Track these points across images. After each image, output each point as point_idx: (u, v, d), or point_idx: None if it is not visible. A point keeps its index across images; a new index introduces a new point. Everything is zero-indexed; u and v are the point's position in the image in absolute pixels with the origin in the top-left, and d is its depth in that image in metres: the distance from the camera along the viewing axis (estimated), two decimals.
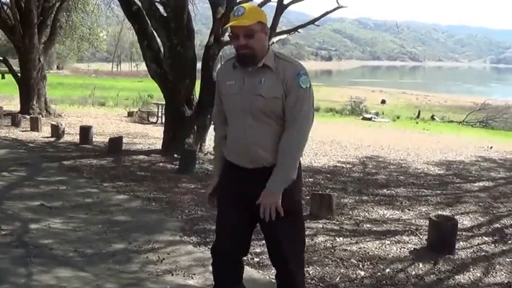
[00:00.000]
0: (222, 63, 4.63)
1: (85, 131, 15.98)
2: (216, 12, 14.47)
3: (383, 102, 57.70)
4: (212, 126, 14.16)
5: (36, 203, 8.81)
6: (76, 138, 16.37)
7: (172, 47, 13.97)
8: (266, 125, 4.18)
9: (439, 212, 9.06)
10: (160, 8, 14.32)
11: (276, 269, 4.59)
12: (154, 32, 14.47)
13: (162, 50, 14.56)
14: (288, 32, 16.52)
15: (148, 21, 14.28)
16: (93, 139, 16.17)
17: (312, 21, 15.69)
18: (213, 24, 14.49)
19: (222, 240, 4.53)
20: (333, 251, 7.15)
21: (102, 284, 5.70)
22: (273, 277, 5.97)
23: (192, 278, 6.02)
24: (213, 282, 4.73)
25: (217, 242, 4.61)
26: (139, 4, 14.41)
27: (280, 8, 14.39)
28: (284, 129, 4.19)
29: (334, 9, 15.92)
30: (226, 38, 14.67)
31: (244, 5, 4.26)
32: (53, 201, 8.99)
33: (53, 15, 24.70)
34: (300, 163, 4.35)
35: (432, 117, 42.45)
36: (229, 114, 4.38)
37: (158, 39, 14.63)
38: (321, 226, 8.20)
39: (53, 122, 18.36)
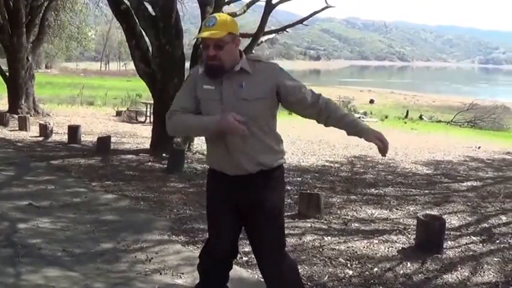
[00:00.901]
0: (194, 68, 4.57)
1: (73, 131, 15.94)
2: (204, 11, 14.46)
3: (371, 102, 57.87)
4: None
5: (25, 203, 8.78)
6: (64, 138, 16.32)
7: (161, 46, 13.95)
8: (253, 128, 4.19)
9: (427, 212, 9.07)
10: (149, 7, 14.29)
11: (264, 271, 4.64)
12: (142, 31, 14.45)
13: (150, 49, 14.54)
14: (276, 31, 16.57)
15: (137, 21, 14.26)
16: (82, 138, 16.12)
17: (301, 21, 15.75)
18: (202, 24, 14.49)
19: (220, 242, 4.53)
20: (321, 250, 7.17)
21: (91, 283, 5.68)
22: (261, 276, 6.00)
23: (181, 277, 6.02)
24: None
25: (214, 244, 4.60)
26: (128, 3, 14.39)
27: (269, 8, 14.43)
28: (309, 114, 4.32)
29: (323, 9, 15.98)
30: None
31: (216, 14, 4.30)
32: (41, 201, 8.96)
33: (41, 15, 24.63)
34: (283, 152, 4.53)
35: (420, 117, 42.59)
36: None
37: (147, 39, 14.61)
38: (309, 225, 8.22)
39: (41, 122, 18.31)
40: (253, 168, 4.27)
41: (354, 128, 4.23)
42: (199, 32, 4.24)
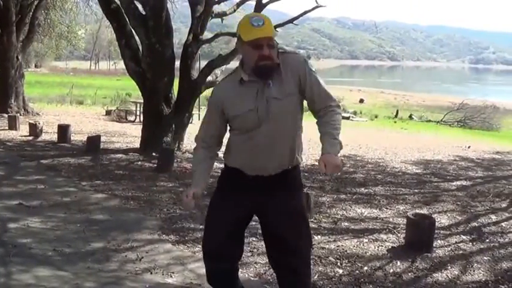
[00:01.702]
0: (219, 84, 4.48)
1: (63, 130, 15.91)
2: (194, 10, 14.47)
3: (361, 101, 57.84)
4: (190, 126, 14.13)
5: (15, 202, 8.77)
6: (54, 137, 16.29)
7: (151, 45, 13.94)
8: (283, 125, 4.16)
9: (417, 211, 9.08)
10: (139, 6, 14.28)
11: (282, 273, 4.56)
12: (132, 30, 14.45)
13: (140, 48, 14.53)
14: None
15: (127, 20, 14.26)
16: (71, 138, 16.11)
17: (291, 20, 15.71)
18: (192, 23, 14.49)
19: (209, 241, 4.45)
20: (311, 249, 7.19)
21: (81, 283, 5.68)
22: (252, 275, 6.01)
23: (171, 276, 6.03)
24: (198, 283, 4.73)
25: (203, 242, 4.53)
26: (118, 2, 14.38)
27: (259, 7, 14.41)
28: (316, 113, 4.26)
29: (313, 9, 15.94)
30: (204, 36, 14.71)
31: (259, 14, 4.28)
32: (32, 200, 8.96)
33: (31, 13, 24.55)
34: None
35: (410, 117, 42.66)
36: (241, 130, 4.23)
37: (137, 38, 14.61)
38: None
39: (31, 121, 18.27)
40: (276, 170, 4.25)
41: (328, 142, 4.16)
42: (244, 32, 4.04)
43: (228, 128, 4.34)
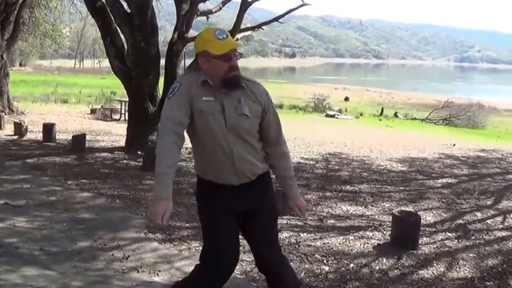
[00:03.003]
0: (184, 74, 4.55)
1: (48, 129, 15.86)
2: (180, 8, 14.49)
3: (346, 99, 57.91)
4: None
5: (0, 202, 8.74)
6: (39, 136, 16.25)
7: (136, 43, 13.94)
8: (246, 142, 4.25)
9: (402, 208, 9.15)
10: (124, 4, 14.26)
11: (269, 272, 4.62)
12: (118, 28, 14.42)
13: (125, 46, 14.51)
14: (252, 28, 16.58)
15: (112, 18, 14.23)
16: (57, 137, 16.06)
17: (276, 18, 15.75)
18: (177, 21, 14.50)
19: (225, 262, 4.35)
20: (297, 246, 7.21)
21: (69, 282, 5.68)
22: (238, 273, 6.01)
23: (158, 274, 6.05)
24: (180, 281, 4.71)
25: (217, 265, 4.35)
26: (103, 0, 14.36)
27: (244, 5, 14.44)
28: (264, 145, 4.42)
29: (299, 7, 15.99)
30: (190, 34, 14.70)
31: (219, 28, 4.28)
32: (17, 200, 8.94)
33: (16, 12, 24.46)
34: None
35: (395, 115, 42.74)
36: (205, 132, 4.19)
37: (122, 36, 14.58)
38: (285, 222, 8.23)
39: (16, 120, 18.20)
40: (254, 175, 4.34)
41: (292, 187, 4.69)
42: (212, 47, 4.08)
43: (190, 133, 4.29)
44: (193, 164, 4.53)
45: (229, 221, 4.32)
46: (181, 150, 4.20)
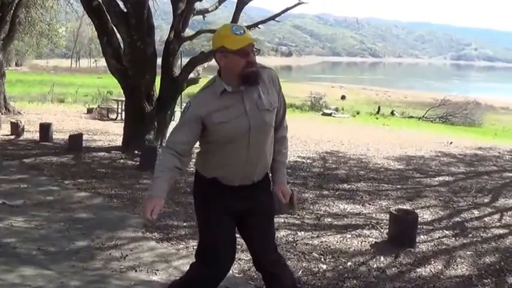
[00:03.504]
0: (197, 96, 4.30)
1: (45, 128, 15.85)
2: (176, 7, 14.50)
3: (343, 98, 58.01)
4: (173, 123, 14.13)
5: None
6: (36, 136, 16.23)
7: (132, 42, 13.94)
8: (266, 138, 4.24)
9: (400, 206, 9.13)
10: (121, 3, 14.26)
11: (266, 271, 4.62)
12: (114, 27, 14.42)
13: (122, 46, 14.51)
14: (248, 27, 16.54)
15: (109, 17, 14.22)
16: (53, 136, 16.05)
17: (273, 17, 15.76)
18: (173, 20, 14.51)
19: (221, 262, 4.39)
20: (294, 245, 7.22)
21: (67, 281, 5.68)
22: (236, 272, 6.02)
23: (156, 273, 6.06)
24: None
25: (213, 266, 4.38)
26: (100, 0, 14.36)
27: (241, 4, 14.45)
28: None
29: (295, 6, 15.98)
30: (186, 33, 14.71)
31: (236, 24, 4.33)
32: (15, 200, 8.93)
33: (12, 11, 24.42)
34: None
35: (392, 113, 42.82)
36: (223, 140, 4.17)
37: (118, 35, 14.58)
38: (282, 221, 8.25)
39: (12, 120, 18.18)
40: (259, 177, 4.36)
41: (281, 172, 4.48)
42: (229, 42, 4.01)
43: (204, 139, 4.27)
44: (194, 160, 4.48)
45: (226, 221, 4.33)
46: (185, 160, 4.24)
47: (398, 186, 11.59)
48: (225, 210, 4.29)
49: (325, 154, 15.77)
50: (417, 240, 7.51)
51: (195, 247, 4.57)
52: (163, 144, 14.54)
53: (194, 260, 4.46)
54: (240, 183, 4.26)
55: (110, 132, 18.74)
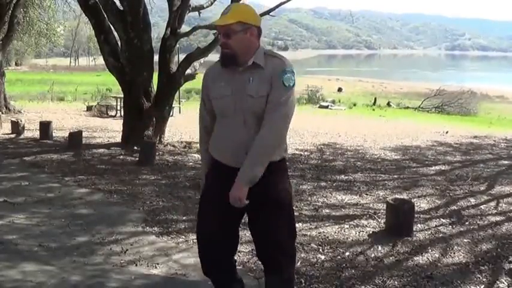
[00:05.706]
0: (211, 66, 4.42)
1: (45, 127, 15.88)
2: (172, 5, 14.54)
3: (339, 90, 58.10)
4: (171, 119, 14.22)
5: None
6: (36, 134, 16.25)
7: (129, 40, 13.99)
8: (255, 125, 4.12)
9: (396, 196, 9.20)
10: (117, 1, 14.30)
11: (263, 265, 4.59)
12: (111, 26, 14.46)
13: (119, 43, 14.57)
14: None
15: (105, 15, 14.27)
16: (53, 134, 16.05)
17: (268, 12, 15.75)
18: (170, 17, 14.55)
19: (218, 237, 4.34)
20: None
21: (68, 276, 5.73)
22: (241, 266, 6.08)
23: (156, 267, 6.11)
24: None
25: (197, 229, 4.46)
26: None
27: (236, 0, 14.49)
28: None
29: (289, 0, 16.01)
30: (182, 30, 14.76)
31: (234, 4, 4.31)
32: (16, 197, 8.98)
33: (10, 12, 24.42)
34: (286, 149, 4.47)
35: (388, 104, 42.87)
36: (220, 115, 4.28)
37: (115, 33, 14.63)
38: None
39: (12, 119, 18.17)
40: (238, 163, 4.14)
41: (241, 170, 4.10)
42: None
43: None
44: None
45: (215, 204, 4.28)
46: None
47: (395, 176, 11.67)
48: (219, 190, 4.20)
49: (322, 146, 15.84)
50: (414, 229, 7.55)
51: (195, 240, 4.62)
52: (162, 140, 14.69)
53: (195, 254, 4.47)
54: (232, 163, 4.18)
55: (109, 129, 18.78)
